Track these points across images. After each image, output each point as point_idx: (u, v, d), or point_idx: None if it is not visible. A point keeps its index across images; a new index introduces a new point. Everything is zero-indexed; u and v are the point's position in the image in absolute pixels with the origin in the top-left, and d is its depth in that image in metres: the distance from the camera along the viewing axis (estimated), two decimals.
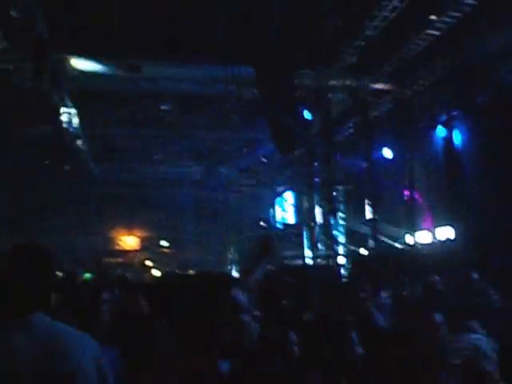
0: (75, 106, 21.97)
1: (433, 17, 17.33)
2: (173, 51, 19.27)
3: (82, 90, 21.59)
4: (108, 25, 18.04)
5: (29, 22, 15.98)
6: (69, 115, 22.01)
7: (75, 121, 22.75)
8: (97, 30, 18.10)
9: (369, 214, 22.49)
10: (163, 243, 35.02)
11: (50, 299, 3.50)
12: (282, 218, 30.78)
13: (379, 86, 21.62)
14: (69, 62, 19.50)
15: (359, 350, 4.35)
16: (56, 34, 17.57)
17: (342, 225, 23.44)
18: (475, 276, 10.02)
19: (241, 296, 3.86)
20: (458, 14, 16.85)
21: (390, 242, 22.61)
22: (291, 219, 30.21)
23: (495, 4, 15.85)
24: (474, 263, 13.10)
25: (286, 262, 23.33)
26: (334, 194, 23.31)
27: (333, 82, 21.05)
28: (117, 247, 35.71)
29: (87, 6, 17.44)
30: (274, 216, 31.34)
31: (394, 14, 17.20)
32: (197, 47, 18.71)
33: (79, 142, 24.46)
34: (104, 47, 18.93)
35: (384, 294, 9.03)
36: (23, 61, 18.11)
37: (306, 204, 25.99)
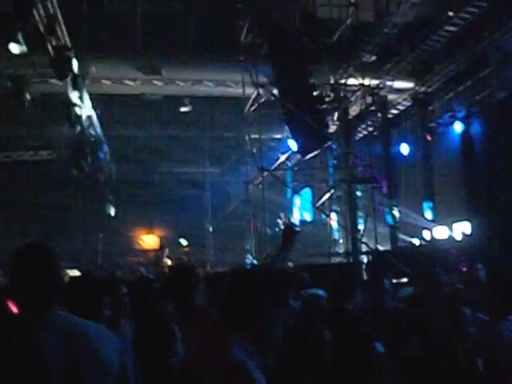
0: (95, 108, 22.16)
1: (451, 13, 17.38)
2: (192, 52, 19.43)
3: (103, 92, 21.80)
4: (128, 27, 18.24)
5: (49, 25, 16.08)
6: (89, 117, 22.19)
7: (96, 123, 22.95)
8: (117, 32, 18.29)
9: (387, 211, 22.57)
10: (183, 242, 35.09)
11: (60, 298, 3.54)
12: (301, 216, 30.83)
13: (398, 83, 21.68)
14: (89, 65, 19.68)
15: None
16: (76, 38, 17.74)
17: (360, 222, 23.49)
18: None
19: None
20: (475, 10, 16.90)
21: (409, 238, 22.66)
22: (309, 217, 30.28)
23: None
24: (490, 258, 13.23)
25: (303, 259, 23.36)
26: (355, 192, 23.38)
27: (351, 81, 21.13)
28: (137, 246, 35.88)
29: (107, 9, 17.63)
30: (292, 214, 31.37)
31: (412, 11, 17.26)
32: (216, 48, 18.87)
33: (100, 144, 24.64)
34: (124, 50, 19.11)
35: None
36: (44, 66, 18.26)
37: (324, 202, 26.02)
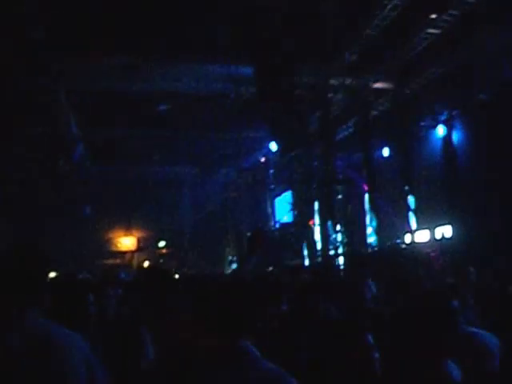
0: (72, 106, 21.86)
1: (433, 15, 17.27)
2: (171, 50, 19.19)
3: (80, 90, 21.50)
4: (106, 25, 17.95)
5: (26, 22, 15.84)
6: (66, 115, 21.89)
7: (73, 121, 22.65)
8: (95, 29, 18.00)
9: (368, 213, 22.47)
10: (161, 244, 34.93)
11: (44, 299, 3.55)
12: (281, 218, 30.69)
13: (379, 84, 21.57)
14: (66, 62, 19.40)
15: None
16: (53, 34, 17.45)
17: (340, 224, 23.37)
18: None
19: None
20: (458, 13, 16.80)
21: (389, 241, 22.57)
22: (290, 219, 30.14)
23: (495, 3, 15.80)
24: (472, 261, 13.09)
25: (285, 261, 23.25)
26: (333, 193, 23.26)
27: (333, 81, 20.97)
28: (114, 248, 35.66)
29: (85, 5, 17.34)
30: (272, 216, 31.25)
31: (394, 13, 17.12)
32: (196, 46, 18.64)
33: (77, 143, 24.35)
34: (102, 47, 18.85)
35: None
36: (21, 62, 17.99)
37: (304, 204, 25.88)
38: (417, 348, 3.92)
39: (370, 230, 23.06)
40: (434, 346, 3.91)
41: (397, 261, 16.82)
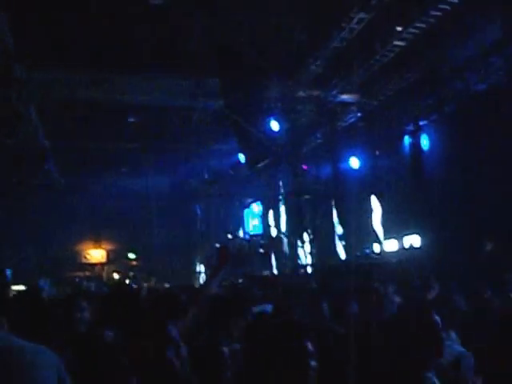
0: (41, 118, 21.77)
1: (399, 28, 17.40)
2: (140, 63, 19.20)
3: (49, 102, 21.42)
4: (75, 37, 17.95)
5: None
6: (35, 127, 21.78)
7: (41, 133, 22.55)
8: (64, 42, 17.99)
9: (336, 223, 22.57)
10: (131, 255, 34.81)
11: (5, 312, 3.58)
12: (250, 230, 30.75)
13: (346, 96, 21.68)
14: (36, 74, 19.33)
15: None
16: (23, 46, 17.41)
17: (308, 235, 23.45)
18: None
19: None
20: (424, 26, 16.94)
21: (358, 251, 22.66)
22: (259, 230, 30.20)
23: (460, 15, 15.99)
24: (437, 270, 13.20)
25: (253, 273, 23.29)
26: (301, 204, 23.34)
27: (300, 93, 21.07)
28: (84, 260, 35.48)
29: (55, 17, 17.32)
30: (241, 227, 31.30)
31: (360, 26, 17.25)
32: (164, 59, 18.68)
33: (45, 155, 24.22)
34: (71, 59, 18.82)
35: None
36: None
37: (273, 215, 25.96)
38: (400, 360, 3.99)
39: (338, 240, 23.13)
40: (417, 358, 3.99)
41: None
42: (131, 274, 32.53)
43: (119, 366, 4.92)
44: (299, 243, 23.27)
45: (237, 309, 7.12)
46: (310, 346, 3.99)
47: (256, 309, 7.60)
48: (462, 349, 5.65)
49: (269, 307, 7.63)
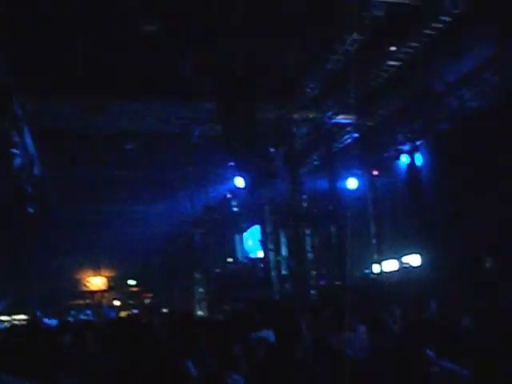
0: (37, 147, 21.74)
1: (393, 48, 17.45)
2: (135, 90, 19.21)
3: (44, 130, 21.40)
4: (70, 66, 17.96)
5: None
6: (31, 156, 21.74)
7: (37, 162, 22.51)
8: (58, 70, 18.01)
9: (336, 244, 22.52)
10: (130, 282, 34.76)
11: None
12: (249, 253, 30.65)
13: (342, 117, 21.69)
14: (30, 103, 19.33)
15: None
16: (18, 75, 17.42)
17: (308, 258, 23.37)
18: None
19: None
20: (418, 45, 16.98)
21: (358, 272, 22.62)
22: (258, 254, 30.08)
23: (454, 34, 16.03)
24: (436, 289, 13.18)
25: (254, 297, 23.19)
26: (300, 228, 23.28)
27: (296, 116, 21.09)
28: (84, 288, 35.40)
29: (49, 47, 17.34)
30: (241, 251, 31.22)
31: (354, 47, 17.29)
32: (159, 85, 18.69)
33: (43, 184, 24.18)
34: (65, 87, 18.82)
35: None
36: None
37: (272, 239, 25.89)
38: None
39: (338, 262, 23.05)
40: None
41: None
42: (130, 302, 32.50)
43: None
44: (299, 266, 23.19)
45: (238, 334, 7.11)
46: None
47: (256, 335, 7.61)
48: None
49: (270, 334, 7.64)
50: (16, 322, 18.66)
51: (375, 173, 22.88)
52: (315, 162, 24.50)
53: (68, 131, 22.03)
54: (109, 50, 17.89)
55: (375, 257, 22.41)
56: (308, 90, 20.02)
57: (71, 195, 27.55)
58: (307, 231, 23.65)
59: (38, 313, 20.05)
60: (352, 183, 23.86)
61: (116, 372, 5.30)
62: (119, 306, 33.50)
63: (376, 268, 21.87)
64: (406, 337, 6.76)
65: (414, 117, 20.22)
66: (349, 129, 22.70)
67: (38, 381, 3.84)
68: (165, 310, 23.05)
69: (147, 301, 32.66)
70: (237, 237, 31.66)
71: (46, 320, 17.69)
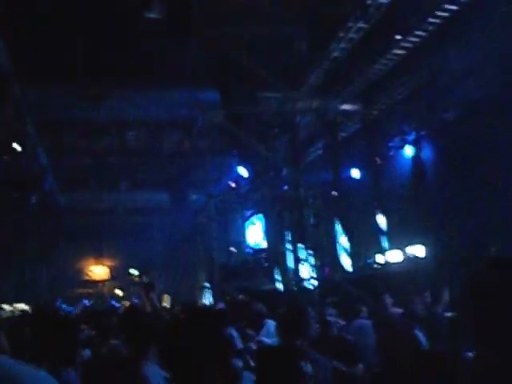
0: (40, 137, 21.67)
1: (398, 37, 17.32)
2: (136, 78, 19.11)
3: (47, 120, 21.32)
4: (71, 54, 17.87)
5: None
6: (33, 146, 21.67)
7: (40, 152, 22.44)
8: (60, 58, 17.92)
9: (339, 235, 22.43)
10: (132, 271, 34.64)
11: None
12: (252, 243, 30.54)
13: (347, 106, 21.55)
14: (33, 92, 19.24)
15: None
16: (18, 64, 17.33)
17: (311, 248, 23.29)
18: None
19: None
20: (423, 34, 16.85)
21: (361, 262, 22.52)
22: (261, 244, 29.97)
23: (460, 23, 15.90)
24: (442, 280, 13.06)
25: (257, 287, 23.12)
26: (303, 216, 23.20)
27: (300, 105, 20.95)
28: (86, 277, 35.36)
29: (50, 35, 17.25)
30: (244, 241, 31.10)
31: (359, 35, 17.16)
32: (162, 73, 18.58)
33: (45, 173, 24.11)
34: (67, 76, 18.73)
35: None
36: None
37: (275, 228, 25.79)
38: None
39: (341, 252, 22.96)
40: None
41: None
42: (132, 290, 32.39)
43: None
44: (302, 256, 23.10)
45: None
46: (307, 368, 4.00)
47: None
48: None
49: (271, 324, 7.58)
50: (25, 311, 18.59)
51: (378, 161, 22.70)
52: (319, 151, 24.34)
53: (70, 120, 21.97)
54: (112, 37, 17.81)
55: (379, 247, 22.29)
56: (313, 78, 19.86)
57: (73, 185, 27.50)
58: (310, 221, 23.59)
59: (59, 301, 20.05)
60: (356, 173, 23.72)
61: None
62: (122, 296, 33.47)
63: (380, 258, 21.73)
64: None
65: (419, 107, 20.06)
66: (353, 118, 22.55)
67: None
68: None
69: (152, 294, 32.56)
70: (240, 226, 31.53)
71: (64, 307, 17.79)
